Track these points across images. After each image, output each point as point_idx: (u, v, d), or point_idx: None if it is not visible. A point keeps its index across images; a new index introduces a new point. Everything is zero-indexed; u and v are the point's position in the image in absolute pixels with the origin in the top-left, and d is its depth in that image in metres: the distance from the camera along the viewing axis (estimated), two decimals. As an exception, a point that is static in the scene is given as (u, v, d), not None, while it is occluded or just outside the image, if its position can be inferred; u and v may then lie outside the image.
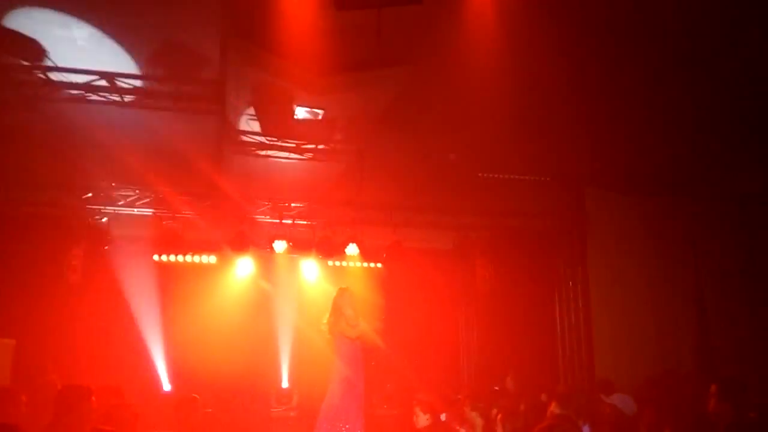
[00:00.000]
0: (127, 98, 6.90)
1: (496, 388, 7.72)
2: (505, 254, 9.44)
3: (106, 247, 8.79)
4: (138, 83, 6.73)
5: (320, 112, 6.83)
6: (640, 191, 8.67)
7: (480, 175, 8.44)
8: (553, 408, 4.80)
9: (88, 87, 6.74)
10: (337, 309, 7.31)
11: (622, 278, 8.55)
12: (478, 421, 5.65)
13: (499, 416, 5.08)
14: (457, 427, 6.04)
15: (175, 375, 9.20)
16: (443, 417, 6.64)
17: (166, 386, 9.14)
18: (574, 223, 9.03)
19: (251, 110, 7.03)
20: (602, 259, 8.66)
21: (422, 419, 6.67)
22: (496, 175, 8.46)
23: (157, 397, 8.51)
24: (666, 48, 5.93)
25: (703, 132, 7.15)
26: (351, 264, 10.10)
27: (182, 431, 5.25)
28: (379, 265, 10.25)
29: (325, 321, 7.34)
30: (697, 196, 8.57)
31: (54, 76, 6.57)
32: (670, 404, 5.01)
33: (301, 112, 6.82)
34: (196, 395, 6.00)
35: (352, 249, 9.38)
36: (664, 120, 7.06)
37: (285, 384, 9.98)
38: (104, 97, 6.84)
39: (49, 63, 6.36)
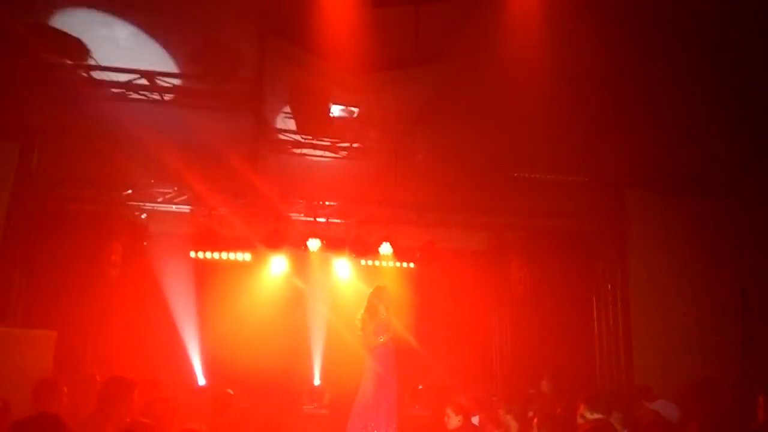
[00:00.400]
0: (167, 97, 7.02)
1: (531, 391, 7.59)
2: (541, 256, 9.29)
3: (145, 243, 8.96)
4: (177, 82, 6.83)
5: (355, 110, 6.82)
6: (682, 193, 8.42)
7: (516, 175, 8.31)
8: (582, 411, 4.69)
9: (129, 86, 6.88)
10: (371, 307, 7.32)
11: (663, 282, 8.31)
12: (513, 424, 5.57)
13: (535, 419, 5.00)
14: (492, 430, 5.96)
15: (209, 370, 9.34)
16: (476, 419, 6.57)
17: (201, 381, 9.27)
18: (613, 224, 8.81)
19: (287, 108, 7.08)
20: (642, 262, 8.44)
21: (454, 420, 6.61)
22: (532, 175, 8.32)
23: (192, 391, 8.63)
24: (713, 45, 5.74)
25: (749, 132, 6.91)
26: (384, 263, 10.09)
27: (217, 426, 5.31)
28: (411, 264, 10.22)
29: (359, 317, 7.35)
30: (741, 199, 8.28)
31: (96, 75, 6.73)
32: (715, 414, 4.83)
33: (336, 110, 6.83)
34: (230, 390, 6.07)
35: (385, 248, 9.36)
36: (708, 120, 6.84)
37: (317, 382, 10.04)
38: (144, 95, 6.97)
39: (92, 62, 6.51)
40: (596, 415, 4.56)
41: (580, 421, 4.73)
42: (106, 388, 4.42)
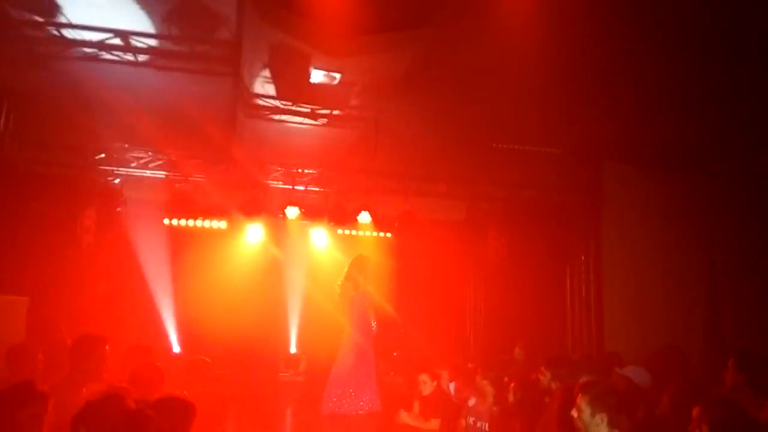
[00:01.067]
0: (141, 58, 6.80)
1: (505, 357, 7.75)
2: (518, 226, 9.40)
3: (119, 209, 8.79)
4: (152, 42, 6.62)
5: (337, 76, 6.71)
6: (657, 166, 8.54)
7: (495, 145, 8.33)
8: (543, 373, 4.84)
9: (101, 45, 6.63)
10: (350, 275, 7.36)
11: (635, 253, 8.50)
12: (489, 390, 5.69)
13: (512, 384, 5.11)
14: (468, 396, 6.08)
15: (184, 337, 9.30)
16: (452, 386, 6.70)
17: (176, 348, 9.24)
18: (589, 196, 8.94)
19: (266, 72, 6.93)
20: (615, 234, 8.60)
21: (429, 386, 6.76)
22: (511, 146, 8.35)
23: (168, 359, 8.60)
24: (693, 17, 5.77)
25: (724, 107, 7.01)
26: (362, 233, 10.09)
27: (193, 393, 5.28)
28: (389, 234, 10.24)
29: (338, 284, 7.39)
30: (715, 173, 8.44)
31: (67, 33, 6.48)
32: (686, 379, 4.99)
33: (317, 76, 6.70)
34: (206, 358, 6.05)
35: (364, 217, 9.36)
36: (685, 93, 6.91)
37: (293, 349, 10.08)
38: (118, 56, 6.73)
39: (62, 20, 6.26)
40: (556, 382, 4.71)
41: (546, 385, 4.86)
42: (75, 347, 4.38)
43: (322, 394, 7.23)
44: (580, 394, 3.73)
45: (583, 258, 9.08)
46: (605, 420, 3.61)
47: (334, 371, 7.28)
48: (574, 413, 3.73)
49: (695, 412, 3.35)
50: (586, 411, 3.66)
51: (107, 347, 4.61)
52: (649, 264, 8.52)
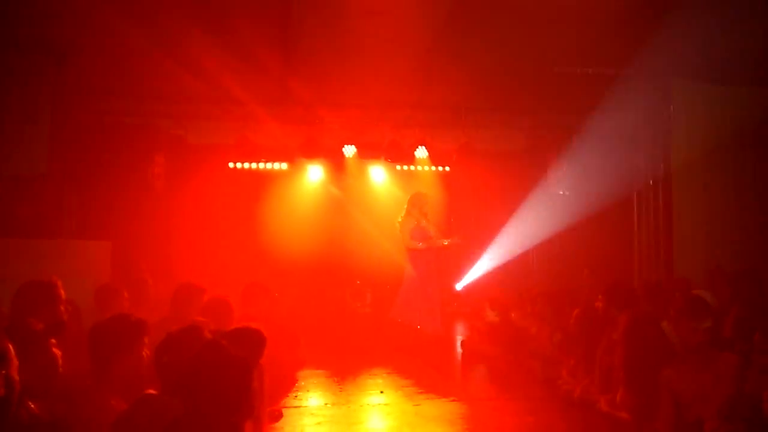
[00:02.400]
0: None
1: (573, 284, 7.74)
2: (581, 153, 9.11)
3: (186, 155, 9.14)
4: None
5: (387, 9, 6.56)
6: (730, 81, 7.97)
7: (556, 70, 8.00)
8: (601, 300, 4.81)
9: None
10: (409, 212, 7.51)
11: (707, 174, 8.08)
12: (551, 317, 5.75)
13: (575, 311, 5.13)
14: (530, 324, 6.16)
15: (256, 272, 9.74)
16: (513, 315, 6.78)
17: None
18: (658, 116, 8.49)
19: (316, 11, 6.86)
20: (685, 154, 8.16)
21: (491, 315, 6.88)
22: (572, 70, 7.99)
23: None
24: None
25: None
26: (420, 168, 10.10)
27: (266, 324, 5.56)
28: (447, 168, 10.20)
29: (399, 220, 7.55)
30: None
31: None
32: (756, 302, 4.85)
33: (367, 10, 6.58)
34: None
35: (421, 152, 9.33)
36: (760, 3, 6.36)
37: (358, 283, 10.40)
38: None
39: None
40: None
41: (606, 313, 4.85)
42: (177, 294, 4.69)
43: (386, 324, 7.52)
44: None
45: (651, 182, 8.75)
46: None
47: (396, 305, 7.53)
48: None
49: (756, 337, 3.28)
50: None
51: (205, 297, 4.95)
52: (721, 185, 8.12)
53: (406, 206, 7.64)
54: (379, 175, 10.38)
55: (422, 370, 5.99)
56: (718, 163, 8.08)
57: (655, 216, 8.64)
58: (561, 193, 9.50)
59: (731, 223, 8.00)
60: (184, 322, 4.33)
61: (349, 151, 9.39)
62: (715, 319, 3.71)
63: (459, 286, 10.48)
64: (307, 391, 5.22)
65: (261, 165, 9.99)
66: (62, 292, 3.87)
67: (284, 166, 10.09)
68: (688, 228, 8.14)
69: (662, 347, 3.90)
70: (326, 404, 4.90)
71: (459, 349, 7.01)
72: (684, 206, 8.20)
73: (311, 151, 9.35)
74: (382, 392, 5.21)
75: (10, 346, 2.45)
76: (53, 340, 2.99)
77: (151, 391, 2.88)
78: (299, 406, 4.78)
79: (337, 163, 9.91)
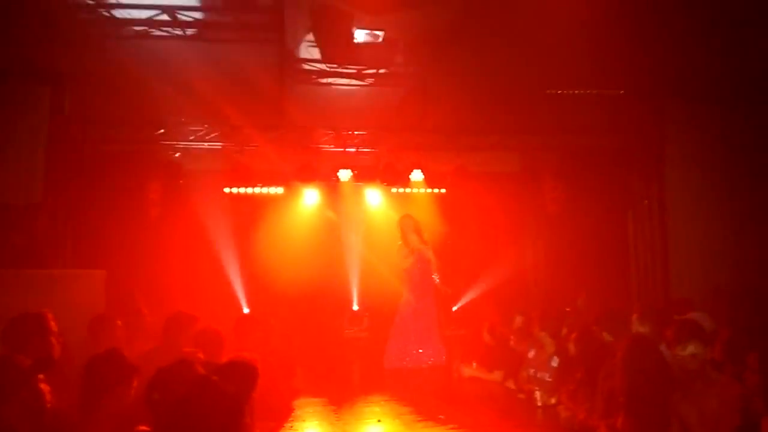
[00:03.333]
0: (189, 32, 6.95)
1: (568, 309, 7.68)
2: (575, 174, 9.14)
3: (181, 181, 9.13)
4: (198, 15, 6.73)
5: (380, 33, 6.64)
6: (722, 101, 8.04)
7: (548, 92, 8.05)
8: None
9: (151, 23, 6.81)
10: (403, 236, 7.53)
11: (701, 193, 8.11)
12: (548, 341, 5.68)
13: (573, 335, 5.08)
14: (527, 347, 6.09)
15: (251, 299, 9.68)
16: (511, 339, 6.71)
17: (245, 309, 9.63)
18: (651, 136, 8.54)
19: (311, 37, 6.93)
20: (679, 174, 8.21)
21: (488, 339, 6.85)
22: (566, 92, 8.05)
23: (238, 320, 8.99)
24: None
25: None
26: (415, 190, 10.10)
27: (261, 352, 5.50)
28: (443, 190, 10.20)
29: (399, 248, 7.57)
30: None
31: (118, 14, 6.66)
32: (750, 321, 4.81)
33: (360, 36, 6.66)
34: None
35: (416, 175, 9.34)
36: (750, 22, 6.43)
37: (356, 307, 10.34)
38: (167, 32, 6.91)
39: (111, 0, 6.44)
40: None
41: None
42: (169, 323, 4.64)
43: (384, 349, 7.47)
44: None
45: (646, 202, 8.77)
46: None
47: (394, 327, 7.48)
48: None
49: (750, 358, 3.24)
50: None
51: (198, 325, 4.90)
52: (716, 203, 8.13)
53: (399, 231, 7.66)
54: (374, 199, 10.37)
55: (420, 397, 5.92)
56: (711, 182, 8.10)
57: (650, 235, 8.64)
58: (556, 214, 9.49)
59: (726, 242, 8.00)
60: (175, 352, 4.29)
61: (345, 175, 9.39)
62: (708, 342, 3.66)
63: (455, 308, 10.41)
64: (303, 420, 5.14)
65: (256, 189, 9.98)
66: (53, 324, 3.82)
67: (280, 190, 10.08)
68: (683, 248, 8.14)
69: (662, 371, 3.84)
70: (323, 434, 4.81)
71: (457, 375, 6.93)
72: (679, 225, 8.21)
73: (307, 176, 9.36)
74: (379, 421, 5.13)
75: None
76: (41, 376, 2.94)
77: (144, 428, 2.82)
78: (295, 436, 4.69)
79: (332, 186, 9.91)
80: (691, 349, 3.56)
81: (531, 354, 5.86)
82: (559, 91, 8.18)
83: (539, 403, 5.26)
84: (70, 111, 7.75)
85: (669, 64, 7.41)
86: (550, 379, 5.45)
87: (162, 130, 8.84)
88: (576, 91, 8.21)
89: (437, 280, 7.62)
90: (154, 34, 6.91)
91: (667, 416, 3.63)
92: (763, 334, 4.35)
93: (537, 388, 5.42)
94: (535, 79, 7.80)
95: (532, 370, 5.75)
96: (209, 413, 2.33)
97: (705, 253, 8.02)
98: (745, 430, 3.08)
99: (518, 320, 6.50)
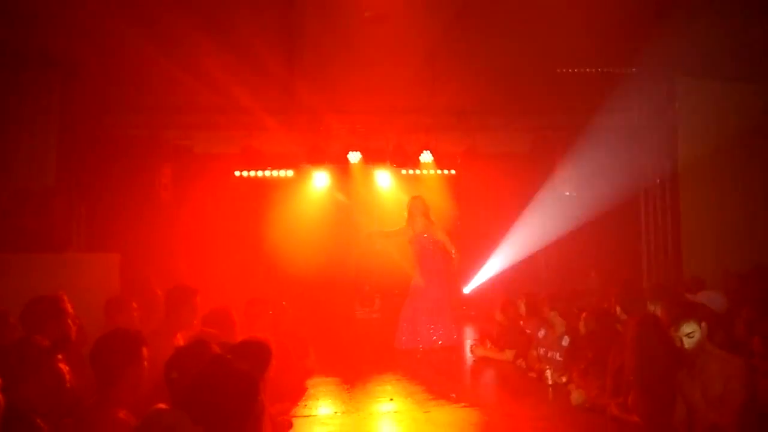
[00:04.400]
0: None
1: (580, 288, 7.69)
2: (586, 153, 9.07)
3: (192, 165, 9.19)
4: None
5: (390, 14, 6.58)
6: (735, 77, 7.92)
7: (559, 71, 7.98)
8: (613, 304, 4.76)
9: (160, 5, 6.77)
10: (411, 216, 7.54)
11: (715, 171, 8.03)
12: (558, 320, 5.70)
13: (584, 314, 5.10)
14: (538, 327, 6.11)
15: (263, 280, 9.77)
16: (522, 318, 6.74)
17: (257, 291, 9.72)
18: (663, 114, 8.45)
19: (320, 19, 6.89)
20: (693, 152, 8.12)
21: (500, 318, 6.89)
22: (576, 70, 7.96)
23: (250, 301, 9.09)
24: None
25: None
26: (425, 172, 10.10)
27: (275, 333, 5.57)
28: (453, 171, 10.19)
29: (402, 226, 7.57)
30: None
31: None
32: (765, 301, 4.80)
33: (370, 16, 6.60)
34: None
35: (426, 157, 9.33)
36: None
37: (366, 288, 10.41)
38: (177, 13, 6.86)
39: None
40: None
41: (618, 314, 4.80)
42: (169, 297, 4.69)
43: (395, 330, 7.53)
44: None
45: (658, 181, 8.71)
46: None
47: (405, 308, 7.53)
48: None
49: (755, 341, 3.24)
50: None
51: (198, 297, 4.97)
52: (729, 182, 8.06)
53: (407, 211, 7.66)
54: (384, 180, 10.39)
55: (432, 376, 5.97)
56: (724, 159, 8.02)
57: (662, 215, 8.60)
58: (567, 194, 9.46)
59: (740, 221, 7.94)
60: (178, 325, 4.36)
61: (355, 157, 9.40)
62: (714, 322, 3.65)
63: (467, 290, 10.46)
64: (317, 399, 5.21)
65: (267, 173, 10.02)
66: (69, 306, 3.89)
67: (290, 173, 10.12)
68: (696, 227, 8.09)
69: (672, 350, 3.86)
70: (336, 413, 4.88)
71: (469, 354, 6.98)
72: (692, 204, 8.16)
73: (316, 158, 9.38)
74: (391, 399, 5.19)
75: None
76: (60, 356, 3.01)
77: (162, 406, 2.89)
78: (309, 415, 4.76)
79: (342, 169, 9.92)
80: (685, 329, 3.56)
81: (541, 333, 5.89)
82: (569, 70, 8.09)
83: (550, 382, 5.29)
84: (82, 96, 7.78)
85: (680, 40, 7.30)
86: (560, 359, 5.48)
87: (173, 116, 8.88)
88: (586, 70, 8.12)
89: (454, 254, 7.58)
90: (164, 17, 6.88)
91: (675, 394, 3.65)
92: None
93: (548, 367, 5.45)
94: (545, 59, 7.72)
95: (542, 350, 5.78)
96: (225, 391, 2.38)
97: (717, 232, 7.97)
98: (751, 405, 3.09)
99: (521, 304, 6.53)
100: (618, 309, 4.72)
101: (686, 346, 3.56)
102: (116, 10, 6.71)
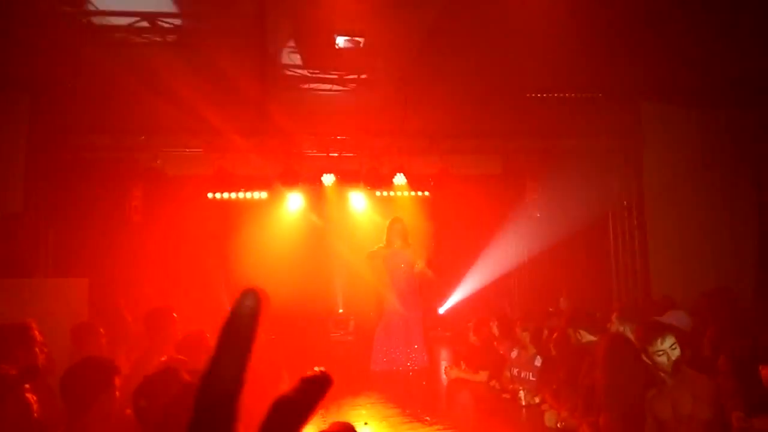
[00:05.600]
0: (170, 38, 6.93)
1: (550, 309, 7.80)
2: (556, 176, 9.26)
3: (163, 188, 9.09)
4: (178, 22, 6.72)
5: (361, 40, 6.68)
6: (698, 103, 8.22)
7: (528, 95, 8.17)
8: (614, 321, 4.83)
9: (130, 30, 6.78)
10: (389, 238, 7.58)
11: (680, 194, 8.28)
12: (530, 341, 5.76)
13: (554, 335, 5.17)
14: (509, 347, 6.16)
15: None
16: (495, 340, 6.80)
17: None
18: (629, 139, 8.70)
19: (292, 43, 6.96)
20: (658, 176, 8.38)
21: (473, 340, 6.94)
22: (545, 95, 8.17)
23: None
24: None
25: (765, 39, 6.65)
26: (399, 194, 10.16)
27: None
28: (426, 193, 10.28)
29: (377, 248, 7.61)
30: (759, 108, 8.07)
31: (97, 21, 6.64)
32: (731, 322, 4.93)
33: (341, 41, 6.69)
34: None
35: (399, 179, 9.41)
36: (727, 27, 6.59)
37: (341, 311, 10.36)
38: (147, 38, 6.88)
39: (90, 8, 6.41)
40: (591, 337, 4.72)
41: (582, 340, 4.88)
42: (149, 322, 4.63)
43: (371, 352, 7.51)
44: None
45: (625, 203, 8.92)
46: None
47: (379, 330, 7.53)
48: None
49: (720, 360, 3.34)
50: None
51: (174, 314, 4.93)
52: (694, 205, 8.31)
53: (386, 234, 7.72)
54: (359, 202, 10.42)
55: (406, 399, 5.96)
56: (688, 182, 8.27)
57: (630, 236, 8.80)
58: (538, 215, 9.63)
59: (704, 242, 8.17)
60: (164, 351, 4.30)
61: (328, 179, 9.43)
62: (680, 341, 3.74)
63: (441, 310, 10.49)
64: (290, 424, 5.14)
65: (240, 195, 9.96)
66: (37, 333, 3.81)
67: (263, 195, 10.07)
68: (663, 248, 8.30)
69: (641, 369, 3.94)
70: (309, 438, 4.82)
71: (443, 376, 6.99)
72: (658, 226, 8.38)
73: (290, 180, 9.37)
74: (366, 423, 5.16)
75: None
76: (27, 386, 2.94)
77: (130, 435, 2.83)
78: (282, 441, 4.70)
79: (316, 191, 9.93)
80: (667, 341, 3.64)
81: (514, 354, 5.94)
82: (539, 95, 8.29)
83: (523, 403, 5.33)
84: (50, 119, 7.69)
85: (646, 67, 7.56)
86: (533, 379, 5.53)
87: (143, 137, 8.80)
88: (555, 95, 8.33)
89: (430, 276, 7.63)
90: (134, 41, 6.88)
91: (645, 413, 3.72)
92: (736, 333, 4.47)
93: (521, 387, 5.49)
94: (516, 83, 7.91)
95: (515, 370, 5.83)
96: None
97: (684, 252, 8.18)
98: (716, 424, 3.17)
99: (494, 326, 6.59)
100: (582, 332, 4.79)
101: (672, 358, 3.62)
102: (86, 35, 6.69)
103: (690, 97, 8.13)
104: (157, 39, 6.87)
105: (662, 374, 3.72)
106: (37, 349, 3.72)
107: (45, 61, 6.98)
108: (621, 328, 4.57)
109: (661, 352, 3.65)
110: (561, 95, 8.33)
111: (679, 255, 8.20)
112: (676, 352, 3.64)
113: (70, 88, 7.44)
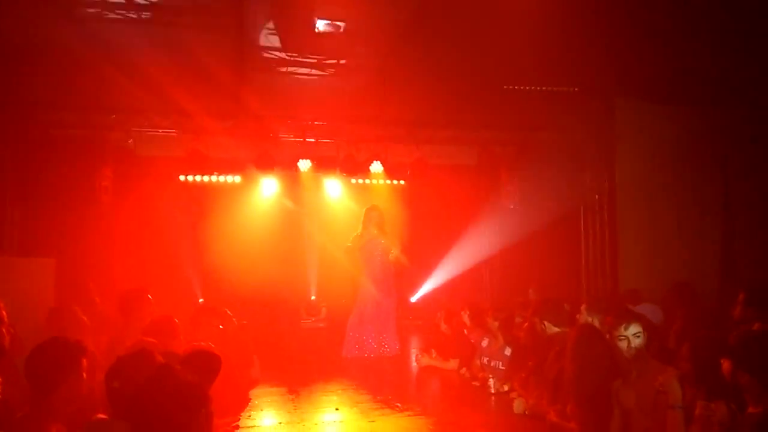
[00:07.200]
0: (144, 15, 6.77)
1: (520, 299, 7.90)
2: (530, 168, 9.36)
3: (134, 168, 8.91)
4: (154, -1, 6.57)
5: (341, 24, 6.61)
6: (671, 100, 8.37)
7: (505, 87, 8.22)
8: (582, 313, 4.92)
9: (104, 4, 6.61)
10: (365, 226, 7.60)
11: (650, 189, 8.43)
12: (500, 331, 5.85)
13: (525, 324, 5.25)
14: (480, 336, 6.24)
15: (207, 288, 9.57)
16: (466, 329, 6.87)
17: (200, 298, 9.52)
18: (602, 134, 8.83)
19: (271, 24, 6.86)
20: (630, 170, 8.51)
21: (444, 328, 7.01)
22: (521, 88, 8.23)
23: (192, 309, 8.89)
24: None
25: (740, 39, 6.80)
26: (375, 181, 10.16)
27: (217, 342, 5.46)
28: (402, 182, 10.30)
29: (354, 235, 7.62)
30: (728, 106, 8.26)
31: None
32: (697, 314, 5.07)
33: (321, 25, 6.62)
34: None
35: (376, 166, 9.40)
36: (699, 26, 6.71)
37: (313, 297, 10.35)
38: (121, 14, 6.71)
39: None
40: (556, 329, 4.82)
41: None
42: (123, 303, 4.56)
43: (343, 339, 7.54)
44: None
45: (597, 197, 9.07)
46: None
47: (352, 317, 7.55)
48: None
49: (684, 348, 3.45)
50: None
51: (150, 296, 4.87)
52: (663, 200, 8.48)
53: (362, 221, 7.72)
54: (334, 189, 10.38)
55: (377, 386, 6.00)
56: (659, 178, 8.44)
57: (600, 230, 8.95)
58: (512, 207, 9.73)
59: (672, 237, 8.36)
60: (137, 331, 4.25)
61: (304, 165, 9.36)
62: (647, 331, 3.83)
63: (414, 299, 10.56)
64: (261, 409, 5.15)
65: (213, 178, 9.83)
66: (4, 313, 3.72)
67: (237, 179, 9.95)
68: (632, 242, 8.46)
69: (609, 359, 4.02)
70: (280, 423, 4.83)
71: (414, 363, 7.05)
72: (628, 220, 8.53)
73: (265, 164, 9.26)
74: (337, 409, 5.18)
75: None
76: (-7, 366, 2.88)
77: (102, 416, 2.80)
78: (253, 426, 4.70)
79: (291, 176, 9.85)
80: (632, 329, 3.73)
81: (485, 343, 6.02)
82: (515, 87, 8.34)
83: (492, 391, 5.41)
84: (17, 94, 7.46)
85: (621, 63, 7.66)
86: (503, 368, 5.62)
87: (114, 116, 8.60)
88: (531, 88, 8.39)
89: (405, 264, 7.68)
90: (107, 16, 6.70)
91: (612, 402, 3.81)
92: (698, 325, 4.60)
93: (491, 375, 5.57)
94: (492, 75, 7.94)
95: (485, 359, 5.91)
96: (170, 401, 2.33)
97: (653, 247, 8.36)
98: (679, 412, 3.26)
99: (465, 315, 6.66)
100: (546, 323, 4.87)
101: (632, 345, 3.71)
102: (58, 8, 6.49)
103: (664, 94, 8.26)
104: (131, 15, 6.71)
105: (626, 363, 3.81)
106: (3, 330, 3.63)
107: (14, 33, 6.74)
108: (589, 320, 4.66)
109: (623, 338, 3.74)
110: (537, 88, 8.38)
111: (647, 249, 8.37)
112: (638, 341, 3.73)
113: (41, 62, 7.21)
